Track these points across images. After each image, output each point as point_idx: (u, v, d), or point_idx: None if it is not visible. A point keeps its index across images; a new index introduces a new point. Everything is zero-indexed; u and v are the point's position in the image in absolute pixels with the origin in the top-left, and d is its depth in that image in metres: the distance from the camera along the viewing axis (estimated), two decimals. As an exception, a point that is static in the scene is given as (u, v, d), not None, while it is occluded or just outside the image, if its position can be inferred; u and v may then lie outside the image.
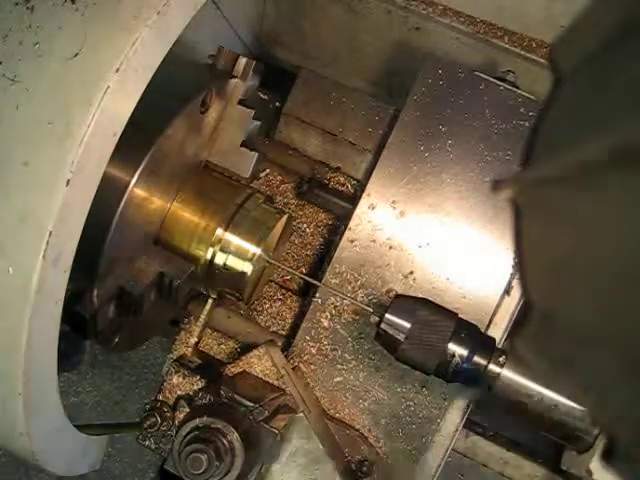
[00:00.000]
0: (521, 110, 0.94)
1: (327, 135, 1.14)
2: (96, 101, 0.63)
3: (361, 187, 1.03)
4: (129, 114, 0.67)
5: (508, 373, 0.83)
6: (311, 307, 0.97)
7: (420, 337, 0.81)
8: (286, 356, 0.94)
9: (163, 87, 0.71)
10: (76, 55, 0.64)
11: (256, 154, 0.98)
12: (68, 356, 1.28)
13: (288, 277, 1.15)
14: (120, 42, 0.65)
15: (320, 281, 0.96)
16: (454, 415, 0.93)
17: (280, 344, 1.00)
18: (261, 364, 0.91)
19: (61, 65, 0.64)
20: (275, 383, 0.90)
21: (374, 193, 0.96)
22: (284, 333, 1.06)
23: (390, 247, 0.95)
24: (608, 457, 0.85)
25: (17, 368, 0.67)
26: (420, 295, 0.92)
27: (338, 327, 0.95)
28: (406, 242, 0.95)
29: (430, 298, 0.92)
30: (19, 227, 0.64)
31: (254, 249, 0.93)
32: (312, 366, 0.95)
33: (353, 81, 1.23)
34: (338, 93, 1.15)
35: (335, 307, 0.95)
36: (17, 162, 0.63)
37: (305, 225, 1.19)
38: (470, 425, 1.21)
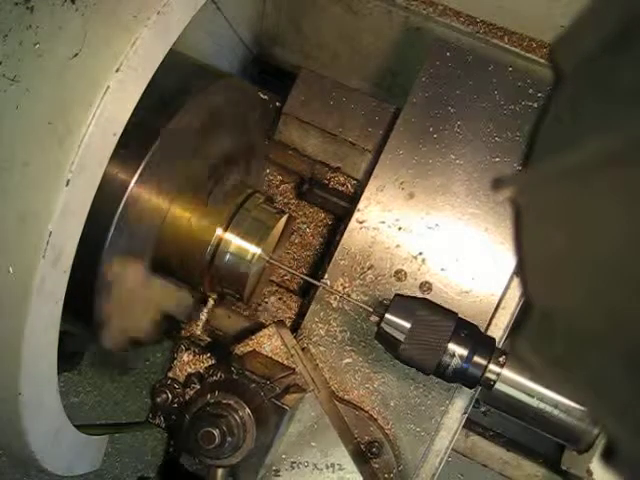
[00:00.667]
0: (530, 91, 0.94)
1: (327, 135, 1.14)
2: (96, 101, 0.63)
3: (363, 183, 1.02)
4: (129, 114, 0.67)
5: (508, 373, 0.83)
6: (319, 289, 0.96)
7: (420, 337, 0.81)
8: (295, 337, 0.93)
9: (163, 87, 0.71)
10: (76, 55, 0.64)
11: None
12: (68, 356, 1.27)
13: (288, 277, 1.15)
14: (120, 42, 0.65)
15: (328, 263, 0.95)
16: (462, 397, 0.93)
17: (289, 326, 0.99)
18: (271, 343, 0.90)
19: (61, 65, 0.64)
20: (285, 362, 0.90)
21: (383, 174, 0.96)
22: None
23: (399, 228, 0.95)
24: (608, 457, 0.85)
25: (17, 368, 0.67)
26: (429, 276, 0.93)
27: (347, 308, 0.95)
28: (415, 223, 0.95)
29: (439, 278, 0.93)
30: (19, 227, 0.64)
31: (254, 249, 0.93)
32: (321, 347, 0.95)
33: (353, 81, 1.23)
34: (338, 93, 1.15)
35: (344, 288, 0.95)
36: (17, 162, 0.63)
37: (305, 225, 1.19)
38: (470, 425, 1.21)
